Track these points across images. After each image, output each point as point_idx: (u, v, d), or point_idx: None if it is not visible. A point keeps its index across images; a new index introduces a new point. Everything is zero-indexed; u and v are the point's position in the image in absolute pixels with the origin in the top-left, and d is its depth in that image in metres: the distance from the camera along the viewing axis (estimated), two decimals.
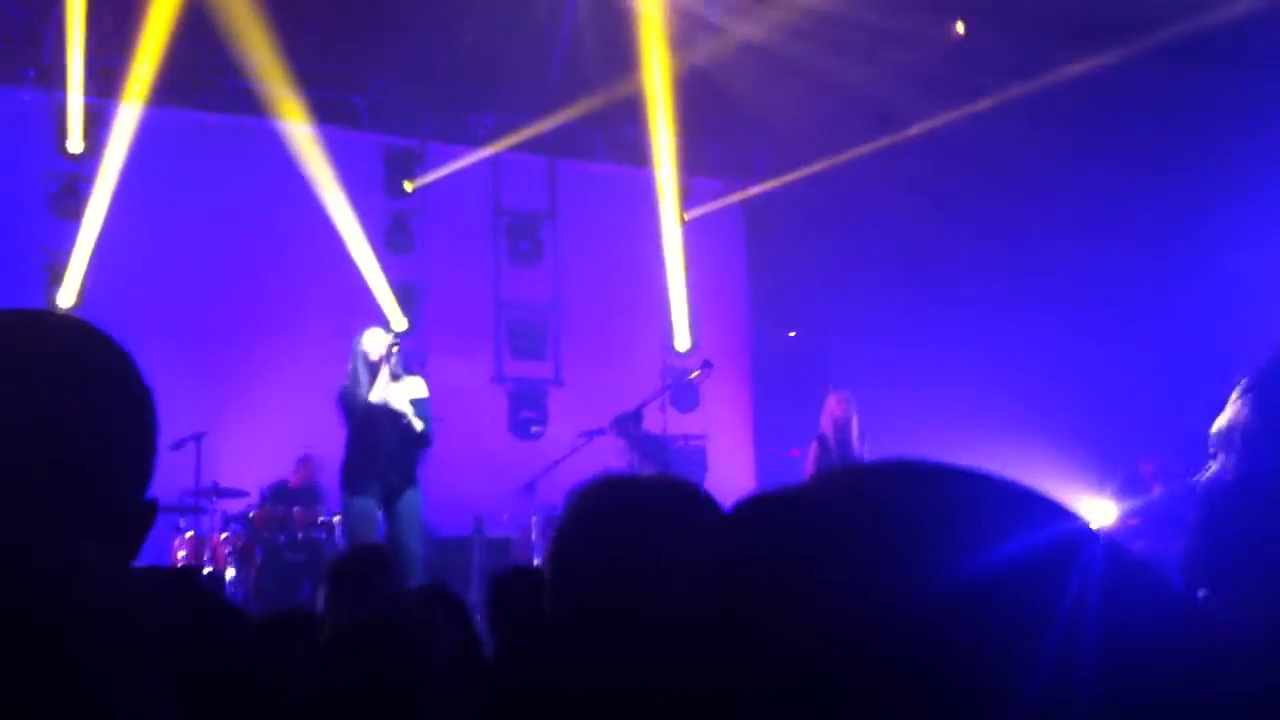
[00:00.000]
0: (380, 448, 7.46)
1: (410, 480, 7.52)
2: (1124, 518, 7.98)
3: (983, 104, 10.10)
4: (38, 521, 0.98)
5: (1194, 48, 8.59)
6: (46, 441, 1.15)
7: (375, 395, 7.48)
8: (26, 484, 1.14)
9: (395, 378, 7.56)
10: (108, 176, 10.49)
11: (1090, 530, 0.66)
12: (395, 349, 7.54)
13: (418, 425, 7.43)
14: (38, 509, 1.14)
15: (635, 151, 12.73)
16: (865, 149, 11.12)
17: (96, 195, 10.45)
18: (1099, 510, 8.23)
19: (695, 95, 11.28)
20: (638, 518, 1.84)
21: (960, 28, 11.02)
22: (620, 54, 10.73)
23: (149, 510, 1.24)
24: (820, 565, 0.65)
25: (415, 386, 7.68)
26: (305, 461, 9.66)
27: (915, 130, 10.65)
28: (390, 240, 11.67)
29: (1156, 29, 8.67)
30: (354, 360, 7.59)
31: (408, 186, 11.76)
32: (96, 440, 1.18)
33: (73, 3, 9.54)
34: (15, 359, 1.19)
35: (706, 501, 1.91)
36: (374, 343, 7.57)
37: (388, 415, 7.44)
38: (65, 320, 1.28)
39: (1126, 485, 8.51)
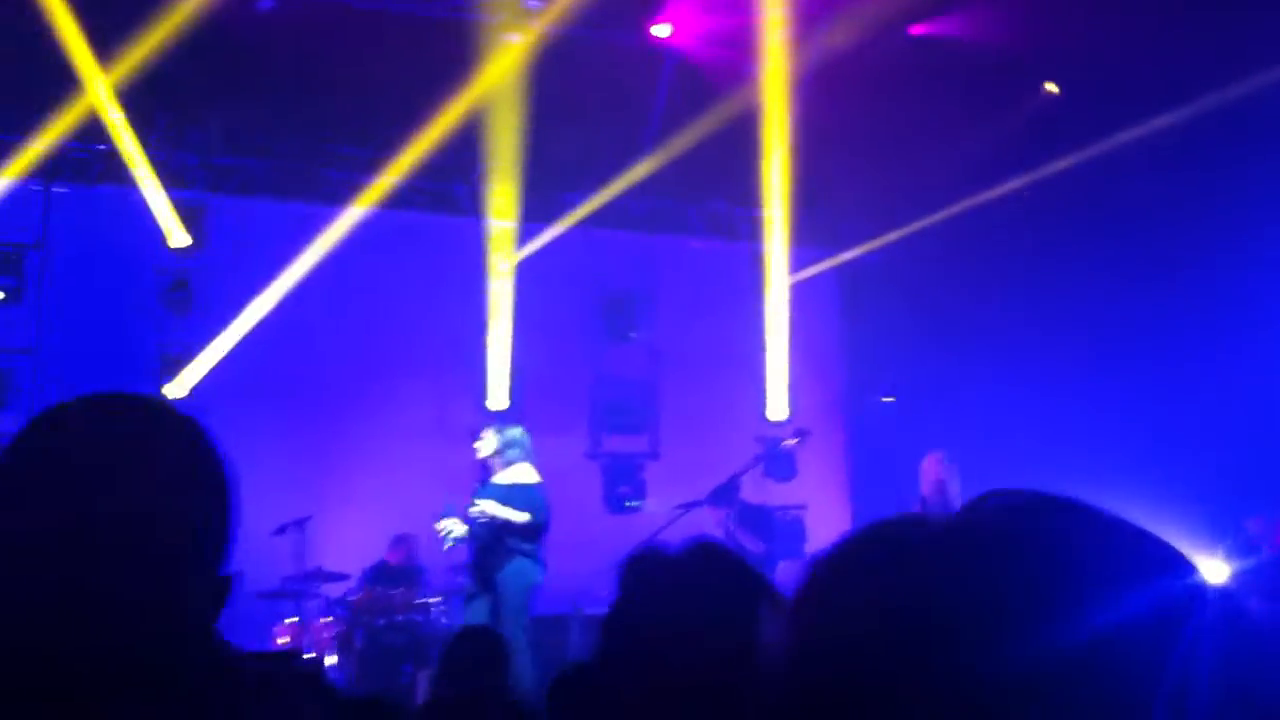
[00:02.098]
0: (475, 543, 7.99)
1: (501, 567, 7.86)
2: (1236, 578, 7.65)
3: (1072, 161, 9.92)
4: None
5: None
6: (123, 520, 1.19)
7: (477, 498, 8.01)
8: (106, 562, 1.17)
9: (498, 468, 8.06)
10: (216, 269, 10.90)
11: (1206, 585, 0.66)
12: (499, 444, 8.08)
13: (517, 518, 7.83)
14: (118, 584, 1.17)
15: (728, 224, 12.81)
16: (956, 209, 11.02)
17: (206, 288, 10.86)
18: (1212, 571, 7.89)
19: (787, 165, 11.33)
20: (671, 589, 1.89)
21: (1052, 87, 10.91)
22: (713, 128, 10.81)
23: (226, 584, 1.27)
24: (958, 604, 0.64)
25: (515, 474, 7.92)
26: (403, 540, 9.73)
27: (1007, 189, 10.52)
28: (489, 321, 11.81)
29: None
30: None
31: (501, 267, 11.92)
32: (166, 515, 1.22)
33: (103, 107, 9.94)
34: (90, 442, 1.23)
35: (745, 567, 1.92)
36: (480, 444, 8.18)
37: (479, 513, 7.93)
38: (138, 400, 1.31)
39: (1237, 546, 8.20)
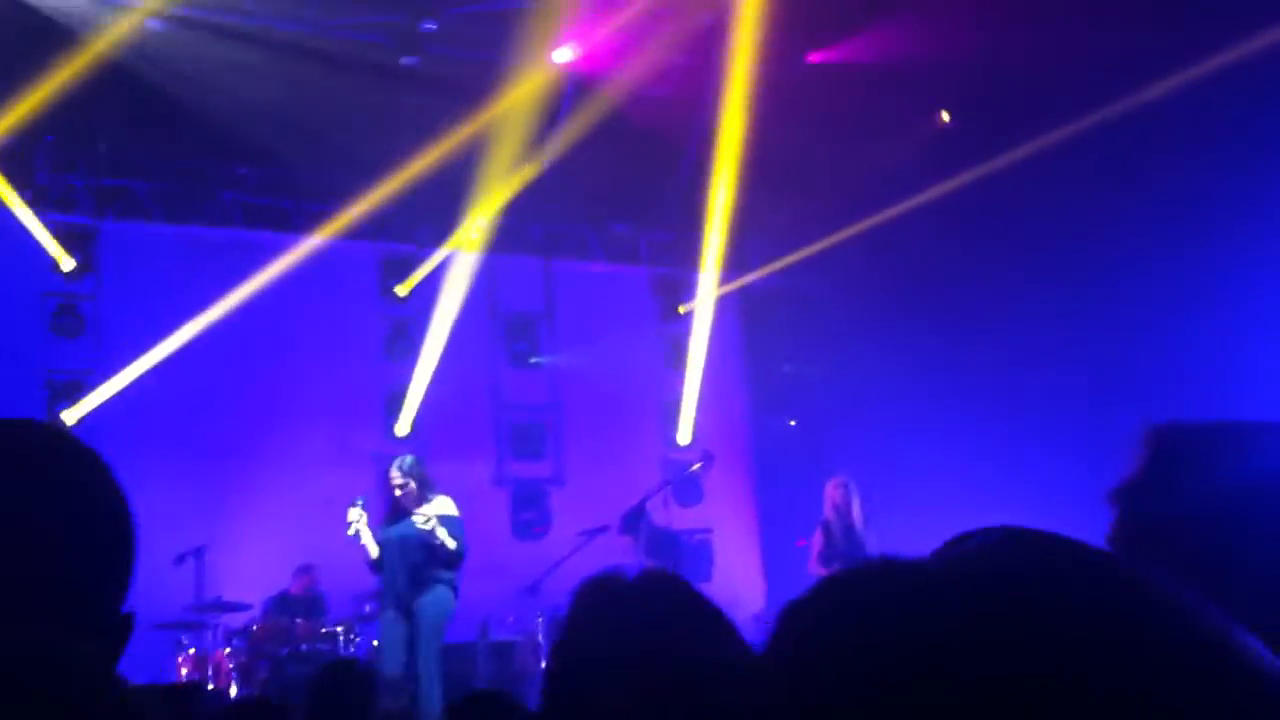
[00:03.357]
0: (392, 569, 8.09)
1: (423, 594, 8.00)
2: None
3: (971, 176, 10.06)
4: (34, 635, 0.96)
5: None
6: (14, 553, 1.14)
7: (389, 526, 8.13)
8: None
9: (419, 502, 8.05)
10: (106, 294, 10.63)
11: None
12: (405, 478, 8.10)
13: (450, 542, 7.94)
14: (17, 622, 1.12)
15: (628, 248, 12.87)
16: (856, 230, 11.16)
17: (97, 313, 10.58)
18: None
19: (687, 190, 11.43)
20: (627, 617, 1.87)
21: (945, 116, 11.18)
22: (611, 153, 10.85)
23: (126, 622, 1.22)
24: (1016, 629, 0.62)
25: (439, 506, 7.92)
26: (306, 570, 9.59)
27: (902, 209, 10.67)
28: (389, 347, 11.70)
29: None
30: None
31: (400, 292, 11.83)
32: (66, 551, 1.16)
33: None
34: None
35: (696, 597, 1.93)
36: (399, 486, 8.16)
37: (397, 540, 8.04)
38: (36, 428, 1.25)
39: None
